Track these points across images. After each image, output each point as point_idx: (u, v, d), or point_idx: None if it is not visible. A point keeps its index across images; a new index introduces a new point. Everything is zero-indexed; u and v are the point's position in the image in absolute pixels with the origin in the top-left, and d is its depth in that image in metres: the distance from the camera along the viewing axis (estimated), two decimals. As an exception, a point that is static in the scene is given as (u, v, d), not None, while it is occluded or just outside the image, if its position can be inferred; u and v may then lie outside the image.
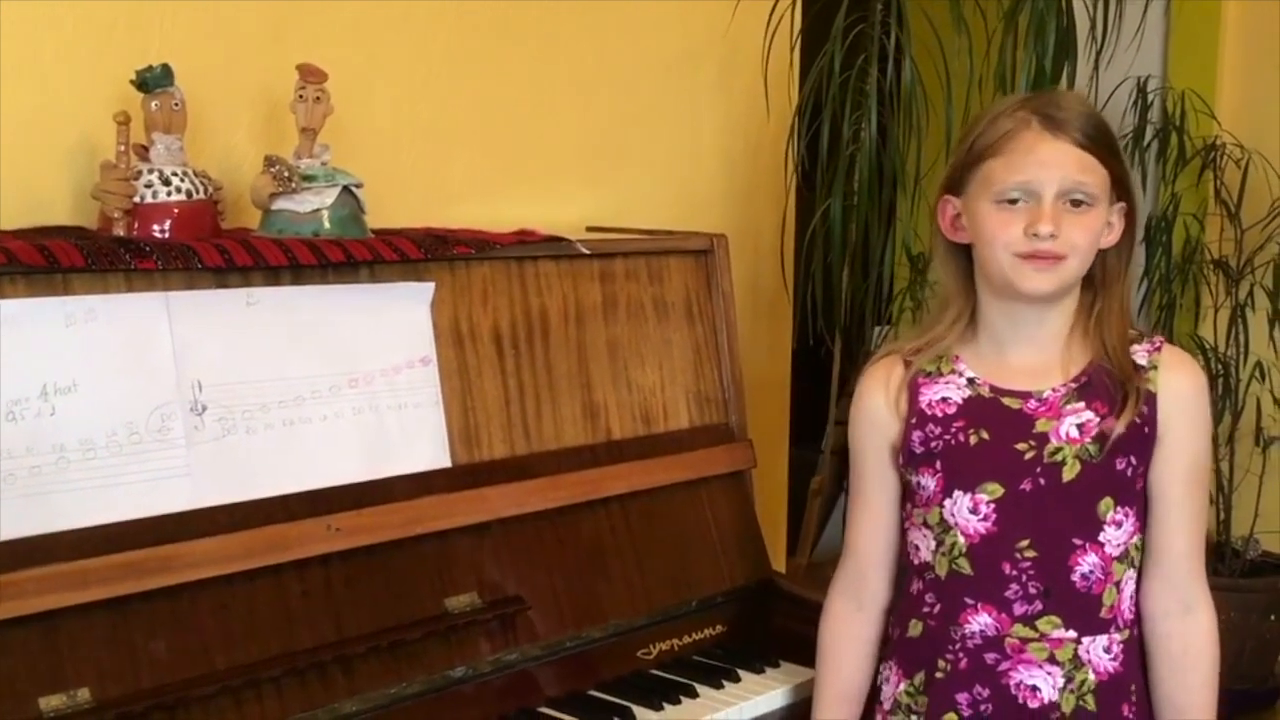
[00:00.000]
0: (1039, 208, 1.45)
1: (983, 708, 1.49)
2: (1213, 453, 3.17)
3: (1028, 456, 1.48)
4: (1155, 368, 1.50)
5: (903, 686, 1.56)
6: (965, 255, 1.55)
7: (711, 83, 2.52)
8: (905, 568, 1.60)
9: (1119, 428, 1.46)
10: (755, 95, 2.50)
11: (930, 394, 1.55)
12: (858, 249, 2.57)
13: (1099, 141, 1.48)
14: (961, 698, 1.50)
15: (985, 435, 1.50)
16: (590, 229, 2.18)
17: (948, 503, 1.51)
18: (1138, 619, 1.53)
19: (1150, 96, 3.24)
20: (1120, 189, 1.51)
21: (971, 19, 2.48)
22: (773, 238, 2.61)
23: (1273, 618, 3.21)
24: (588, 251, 1.87)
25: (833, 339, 2.63)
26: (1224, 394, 3.18)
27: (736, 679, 1.77)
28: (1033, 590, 1.47)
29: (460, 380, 1.72)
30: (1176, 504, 1.50)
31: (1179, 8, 3.43)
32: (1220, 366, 3.17)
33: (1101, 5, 2.58)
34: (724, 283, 2.03)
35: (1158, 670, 1.52)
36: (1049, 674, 1.47)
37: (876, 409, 1.59)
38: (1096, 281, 1.54)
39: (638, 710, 1.66)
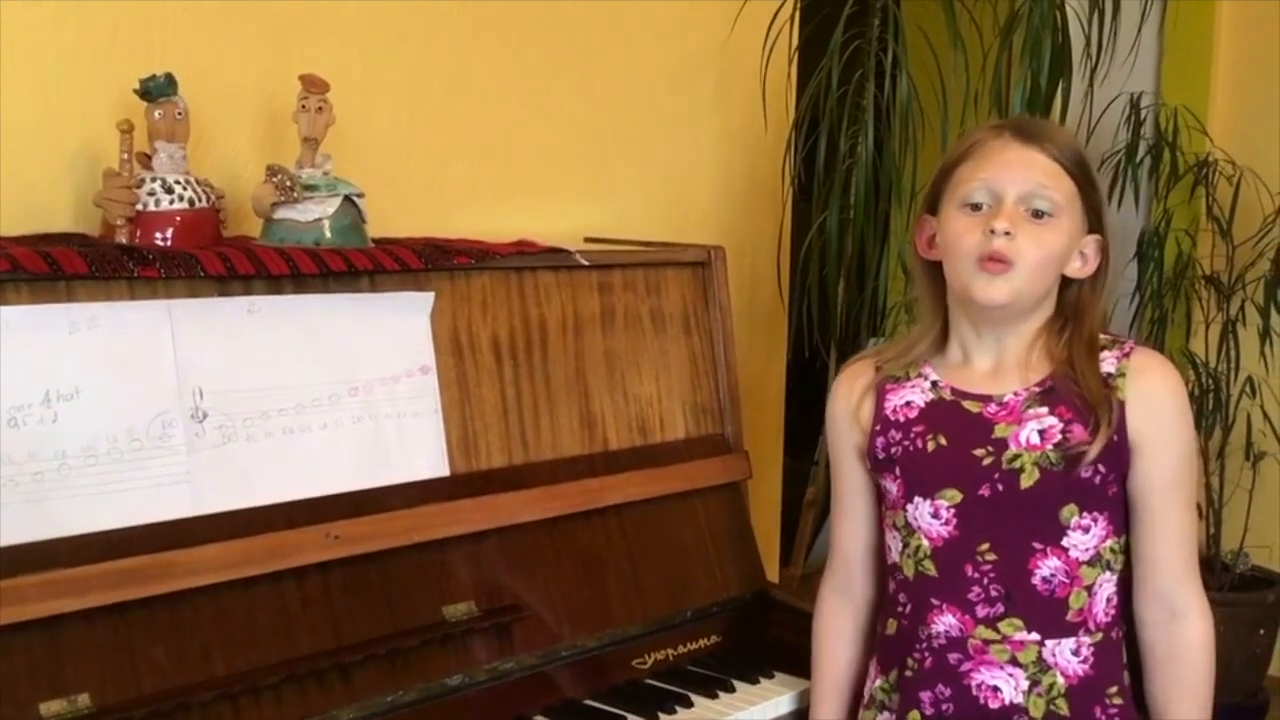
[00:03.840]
0: (1000, 208, 1.46)
1: (944, 707, 1.50)
2: (1202, 466, 3.20)
3: (986, 463, 1.49)
4: (1124, 375, 1.49)
5: (879, 683, 1.58)
6: (940, 273, 1.56)
7: (710, 96, 2.54)
8: (884, 566, 1.62)
9: (1092, 453, 1.45)
10: (753, 109, 2.51)
11: (895, 399, 1.57)
12: (854, 262, 2.59)
13: (1072, 161, 1.49)
14: (925, 696, 1.52)
15: (943, 441, 1.52)
16: (588, 240, 2.19)
17: (909, 507, 1.53)
18: (1121, 622, 1.53)
19: (1143, 113, 3.26)
20: (1094, 220, 1.51)
21: (968, 35, 2.49)
22: (769, 250, 2.62)
23: (1261, 632, 3.22)
24: (586, 263, 1.88)
25: (828, 351, 2.64)
26: (1214, 409, 3.19)
27: (731, 689, 1.78)
28: (994, 593, 1.48)
29: (459, 389, 1.73)
30: (1157, 513, 1.50)
31: (1173, 25, 3.46)
32: (1211, 381, 3.18)
33: (1096, 23, 2.60)
34: (721, 294, 2.04)
35: (1147, 675, 1.53)
36: (1011, 675, 1.48)
37: (840, 414, 1.63)
38: (1068, 310, 1.54)
39: (633, 719, 1.66)
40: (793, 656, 1.81)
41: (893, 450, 1.55)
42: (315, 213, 1.68)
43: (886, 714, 1.56)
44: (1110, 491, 1.49)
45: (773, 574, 2.50)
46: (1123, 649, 1.53)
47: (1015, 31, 2.51)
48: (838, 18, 2.51)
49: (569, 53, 2.30)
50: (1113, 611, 1.52)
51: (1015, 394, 1.51)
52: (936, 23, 2.53)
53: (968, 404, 1.53)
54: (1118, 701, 1.51)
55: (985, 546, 1.49)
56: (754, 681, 1.81)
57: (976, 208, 1.48)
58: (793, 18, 2.49)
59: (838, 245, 2.56)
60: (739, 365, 2.09)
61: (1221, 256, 3.23)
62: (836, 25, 2.50)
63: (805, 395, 3.04)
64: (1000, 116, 2.50)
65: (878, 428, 1.57)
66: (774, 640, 1.90)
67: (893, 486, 1.55)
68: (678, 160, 2.51)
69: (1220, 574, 3.24)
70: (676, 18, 2.45)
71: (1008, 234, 1.44)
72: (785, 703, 1.77)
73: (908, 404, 1.56)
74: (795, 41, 2.54)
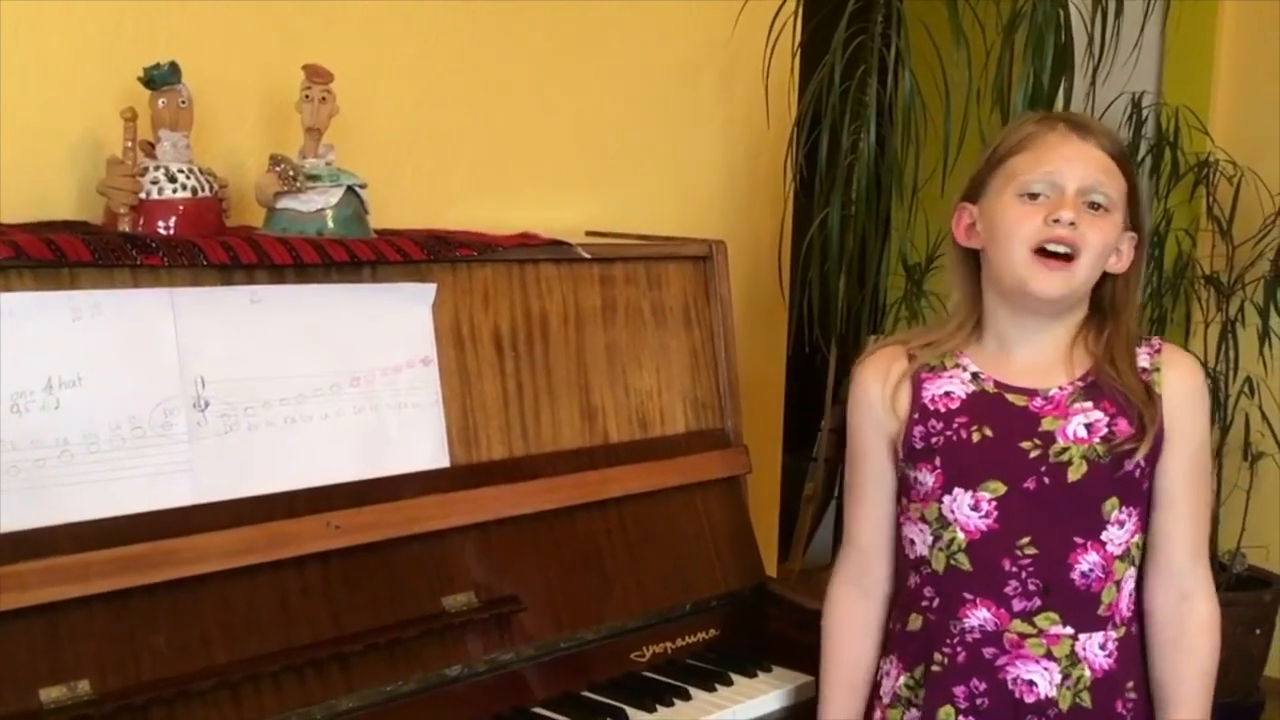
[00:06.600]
0: (1061, 198, 1.48)
1: (979, 701, 1.50)
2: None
3: (1033, 455, 1.49)
4: (1158, 369, 1.53)
5: (902, 680, 1.57)
6: (975, 263, 1.57)
7: (712, 91, 2.54)
8: (903, 560, 1.60)
9: (1143, 450, 1.47)
10: (755, 104, 2.51)
11: (933, 388, 1.56)
12: (854, 258, 2.59)
13: (1123, 157, 1.53)
14: (959, 690, 1.51)
15: (988, 432, 1.52)
16: (589, 233, 2.19)
17: (947, 499, 1.52)
18: (1137, 616, 1.54)
19: (1145, 112, 3.26)
20: (1134, 217, 1.54)
21: (971, 32, 2.50)
22: (770, 245, 2.62)
23: (1258, 632, 3.23)
24: (588, 255, 1.88)
25: (828, 347, 2.64)
26: (1213, 409, 3.19)
27: (729, 682, 1.78)
28: (1032, 587, 1.49)
29: (460, 381, 1.73)
30: (1179, 497, 1.52)
31: (1175, 25, 3.46)
32: (1210, 382, 3.19)
33: (1099, 21, 2.60)
34: (722, 289, 2.05)
35: (1152, 658, 1.54)
36: (1046, 669, 1.49)
37: (873, 401, 1.60)
38: (1106, 307, 1.56)
39: (631, 711, 1.67)
40: (791, 651, 1.81)
41: (933, 440, 1.53)
42: (318, 203, 1.68)
43: (914, 711, 1.54)
44: (1145, 485, 1.52)
45: (771, 569, 2.51)
46: (1140, 644, 1.54)
47: (1018, 29, 2.51)
48: (841, 14, 2.51)
49: (573, 47, 2.30)
50: (1133, 606, 1.54)
51: (1060, 388, 1.52)
52: (939, 19, 2.53)
53: (1012, 397, 1.53)
54: (1134, 696, 1.52)
55: (1026, 540, 1.49)
56: (751, 675, 1.81)
57: (1034, 197, 1.49)
58: (795, 13, 2.49)
59: (839, 241, 2.57)
60: (739, 360, 2.09)
61: (1221, 257, 3.24)
62: (839, 21, 2.51)
63: (804, 392, 3.05)
64: (1002, 114, 2.51)
65: (915, 416, 1.55)
66: (772, 634, 1.90)
67: (929, 478, 1.53)
68: (680, 155, 2.51)
69: (1217, 574, 3.23)
70: (680, 13, 2.45)
71: (1072, 224, 1.46)
72: (782, 696, 1.78)
73: (947, 394, 1.55)
74: (798, 37, 2.54)
